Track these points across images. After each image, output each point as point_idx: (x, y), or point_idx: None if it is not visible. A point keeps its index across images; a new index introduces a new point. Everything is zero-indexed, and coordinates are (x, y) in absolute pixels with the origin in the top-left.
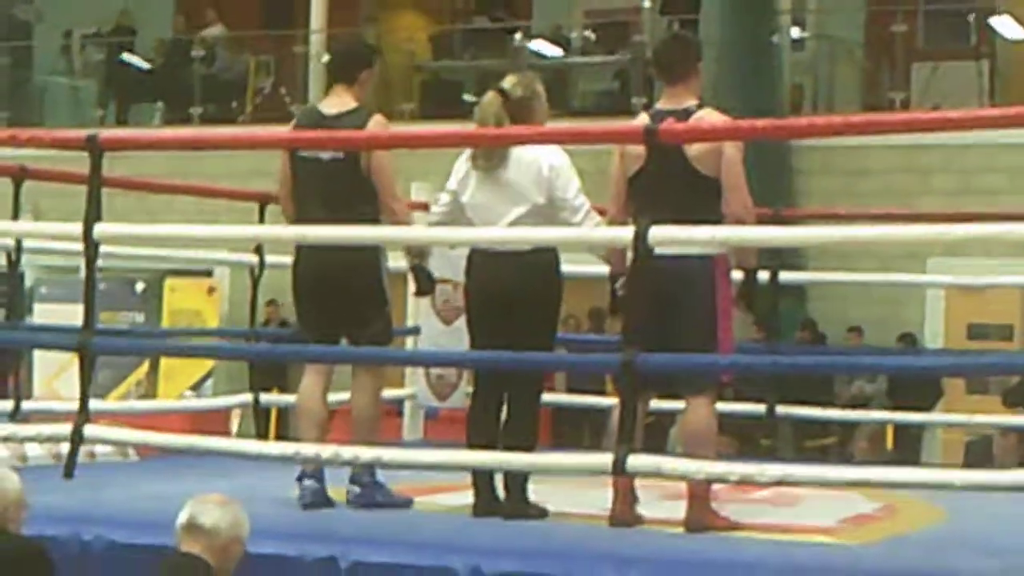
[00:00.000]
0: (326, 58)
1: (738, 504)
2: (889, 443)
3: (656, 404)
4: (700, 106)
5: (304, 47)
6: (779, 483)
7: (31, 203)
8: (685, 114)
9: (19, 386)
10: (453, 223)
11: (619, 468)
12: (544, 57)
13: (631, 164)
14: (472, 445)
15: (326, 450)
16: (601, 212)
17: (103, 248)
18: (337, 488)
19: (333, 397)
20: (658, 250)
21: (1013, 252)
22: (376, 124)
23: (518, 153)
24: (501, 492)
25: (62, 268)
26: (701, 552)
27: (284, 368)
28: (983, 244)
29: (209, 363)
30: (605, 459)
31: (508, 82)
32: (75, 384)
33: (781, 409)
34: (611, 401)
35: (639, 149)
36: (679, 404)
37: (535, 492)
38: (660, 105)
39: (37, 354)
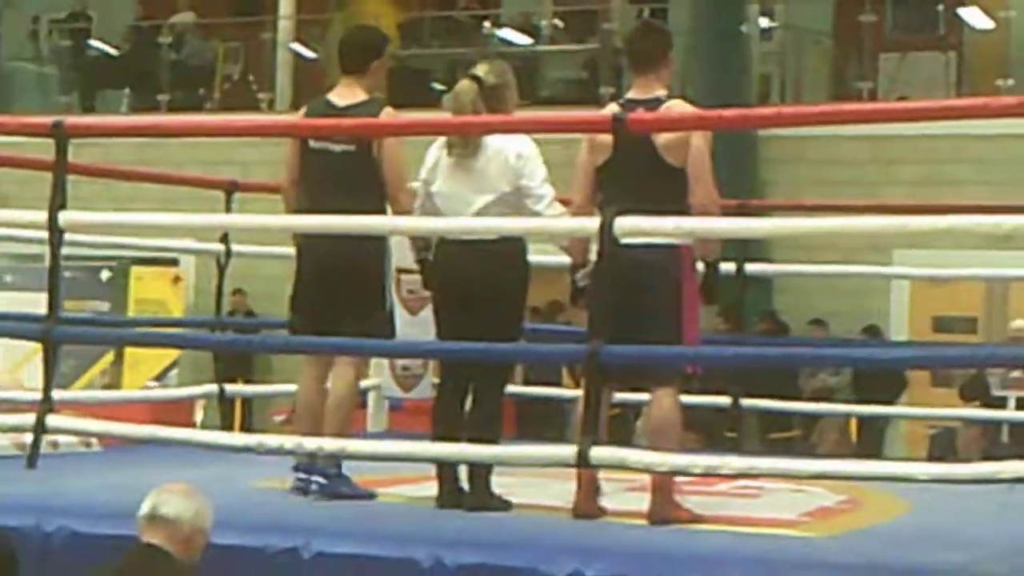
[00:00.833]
0: (299, 47)
1: (701, 496)
2: (853, 436)
3: (622, 396)
4: (669, 96)
5: (272, 34)
6: (743, 475)
7: None
8: (655, 103)
9: None
10: (426, 214)
11: (583, 460)
12: (513, 45)
13: (599, 154)
14: (437, 436)
15: (289, 441)
16: (566, 202)
17: (69, 236)
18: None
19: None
20: (624, 240)
21: (978, 244)
22: (387, 116)
23: (487, 141)
24: (465, 484)
25: (27, 256)
26: (664, 544)
27: (249, 359)
28: (949, 236)
29: (174, 353)
30: (569, 451)
31: (481, 69)
32: (39, 373)
33: (746, 402)
34: (570, 392)
35: (607, 139)
36: (645, 396)
37: (499, 484)
38: (630, 94)
39: (0, 342)
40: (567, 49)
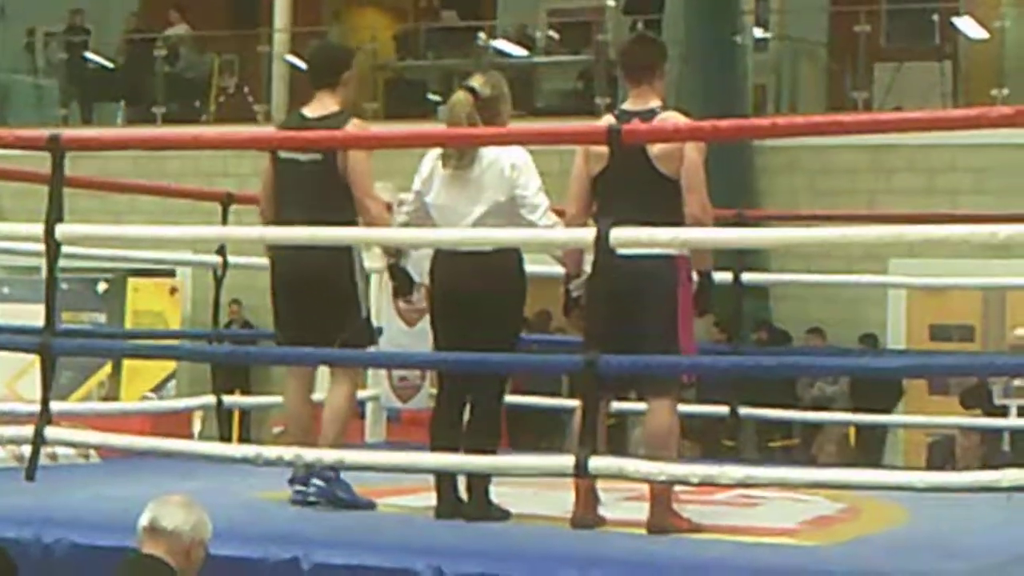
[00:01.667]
0: (295, 59)
1: (700, 506)
2: (852, 444)
3: (619, 405)
4: (664, 107)
5: (268, 46)
6: (741, 485)
7: None
8: (650, 115)
9: None
10: (419, 225)
11: (581, 470)
12: (508, 56)
13: (594, 164)
14: (435, 447)
15: (288, 452)
16: (560, 213)
17: (66, 248)
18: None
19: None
20: (620, 250)
21: (975, 253)
22: (354, 127)
23: (482, 152)
24: (464, 494)
25: (25, 268)
26: (663, 553)
27: (247, 370)
28: (945, 245)
29: (171, 364)
30: (567, 461)
31: (476, 81)
32: (37, 385)
33: (744, 411)
34: (565, 403)
35: (603, 149)
36: (641, 406)
37: (497, 494)
38: (625, 106)
39: None
40: (562, 60)
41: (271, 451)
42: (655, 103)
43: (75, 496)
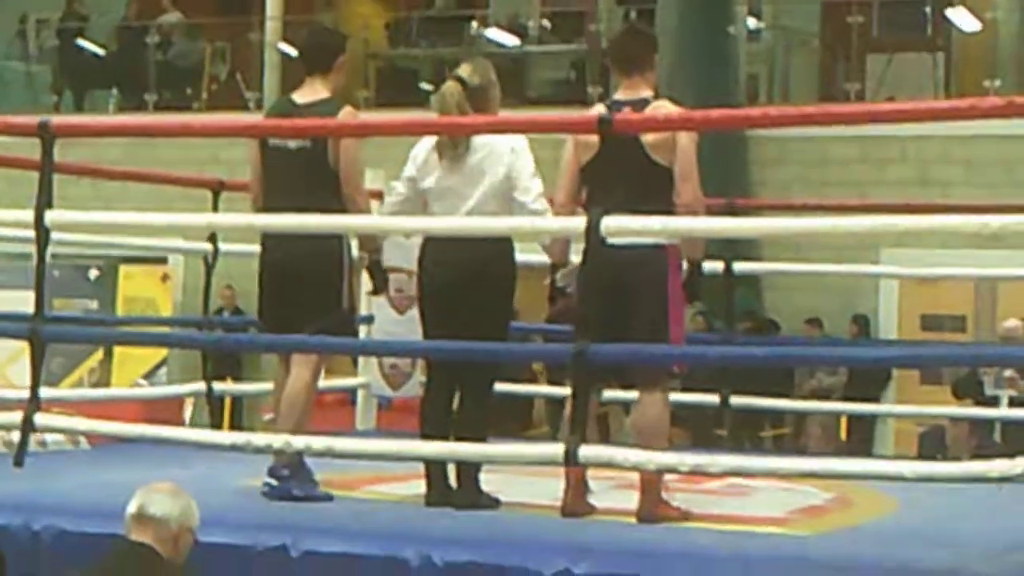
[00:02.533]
0: (287, 47)
1: (690, 494)
2: (843, 433)
3: (608, 394)
4: (656, 97)
5: (260, 34)
6: (731, 474)
7: None
8: (642, 104)
9: None
10: (411, 212)
11: (571, 459)
12: (500, 46)
13: (584, 153)
14: (425, 435)
15: (277, 439)
16: (550, 201)
17: (57, 235)
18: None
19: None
20: (610, 240)
21: (966, 243)
22: (346, 115)
23: (477, 140)
24: (454, 482)
25: (15, 254)
26: (652, 542)
27: (238, 357)
28: (937, 235)
29: (163, 351)
30: (557, 449)
31: (464, 71)
32: (27, 371)
33: (735, 400)
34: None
35: (592, 138)
36: (629, 394)
37: (487, 482)
38: (616, 96)
39: None
40: (554, 50)
41: (261, 438)
42: (647, 93)
43: (64, 483)
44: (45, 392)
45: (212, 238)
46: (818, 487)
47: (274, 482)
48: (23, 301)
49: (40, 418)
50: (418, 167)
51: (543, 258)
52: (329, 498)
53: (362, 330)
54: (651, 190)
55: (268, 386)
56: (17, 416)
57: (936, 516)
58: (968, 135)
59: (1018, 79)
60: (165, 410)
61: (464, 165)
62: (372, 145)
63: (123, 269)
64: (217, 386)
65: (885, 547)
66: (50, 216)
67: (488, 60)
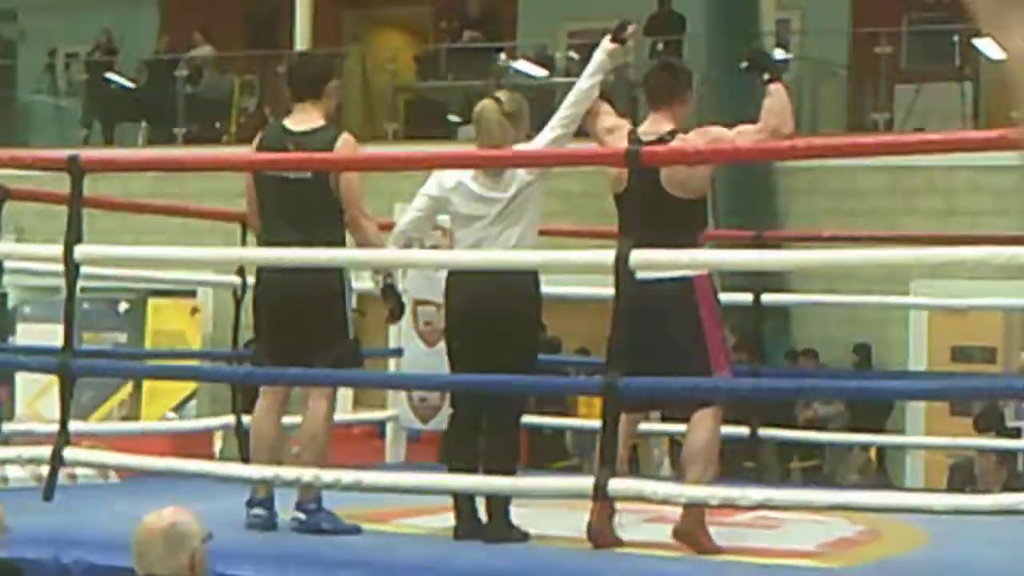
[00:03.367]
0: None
1: (721, 527)
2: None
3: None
4: (674, 133)
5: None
6: (762, 507)
7: (14, 222)
8: (660, 140)
9: (0, 408)
10: (421, 234)
11: (600, 492)
12: (528, 77)
13: (615, 186)
14: (452, 468)
15: (307, 473)
16: (581, 233)
17: (86, 268)
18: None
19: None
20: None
21: (996, 274)
22: (345, 143)
23: (517, 174)
24: (483, 515)
25: (46, 288)
26: (683, 575)
27: None
28: (966, 267)
29: (192, 384)
30: (586, 483)
31: (500, 94)
32: (57, 405)
33: (764, 432)
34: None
35: (623, 171)
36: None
37: (517, 515)
38: (641, 128)
39: (19, 375)
40: None
41: (290, 472)
42: (668, 127)
43: (94, 516)
44: (74, 425)
45: (241, 271)
46: (848, 520)
47: (303, 516)
48: (53, 334)
49: (69, 452)
50: (446, 190)
51: (578, 290)
52: (357, 530)
53: (391, 364)
54: (674, 224)
55: (297, 419)
56: (47, 450)
57: (967, 549)
58: (996, 165)
59: None
60: (195, 443)
61: (500, 198)
62: (401, 178)
63: (152, 302)
64: (246, 419)
65: None
66: (80, 251)
67: (520, 92)
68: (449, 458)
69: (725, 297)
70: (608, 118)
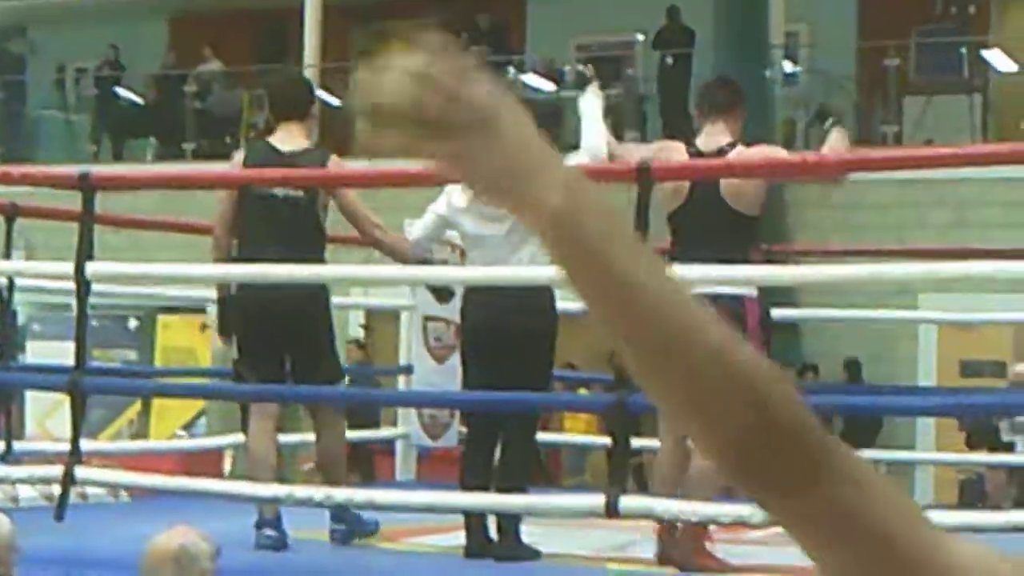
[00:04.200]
0: (324, 95)
1: (730, 545)
2: None
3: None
4: (733, 144)
5: None
6: (772, 525)
7: (24, 238)
8: (719, 152)
9: (11, 427)
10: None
11: (611, 510)
12: (537, 91)
13: (672, 201)
14: (465, 486)
15: (318, 492)
16: None
17: (96, 285)
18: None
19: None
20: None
21: (1006, 288)
22: (335, 163)
23: None
24: (494, 533)
25: (55, 305)
26: None
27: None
28: (975, 281)
29: (202, 402)
30: (597, 501)
31: None
32: (68, 424)
33: None
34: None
35: (683, 187)
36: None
37: (527, 533)
38: (698, 141)
39: (29, 393)
40: None
41: (302, 491)
42: (726, 140)
43: (104, 536)
44: (85, 444)
45: None
46: None
47: (342, 526)
48: (62, 351)
49: (80, 472)
50: (456, 210)
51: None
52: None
53: (401, 381)
54: (731, 239)
55: (307, 436)
56: (58, 469)
57: None
58: (1007, 177)
59: None
60: (205, 461)
61: (509, 217)
62: (413, 194)
63: (162, 319)
64: None
65: None
66: (91, 268)
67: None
68: (463, 475)
69: None
70: (640, 149)
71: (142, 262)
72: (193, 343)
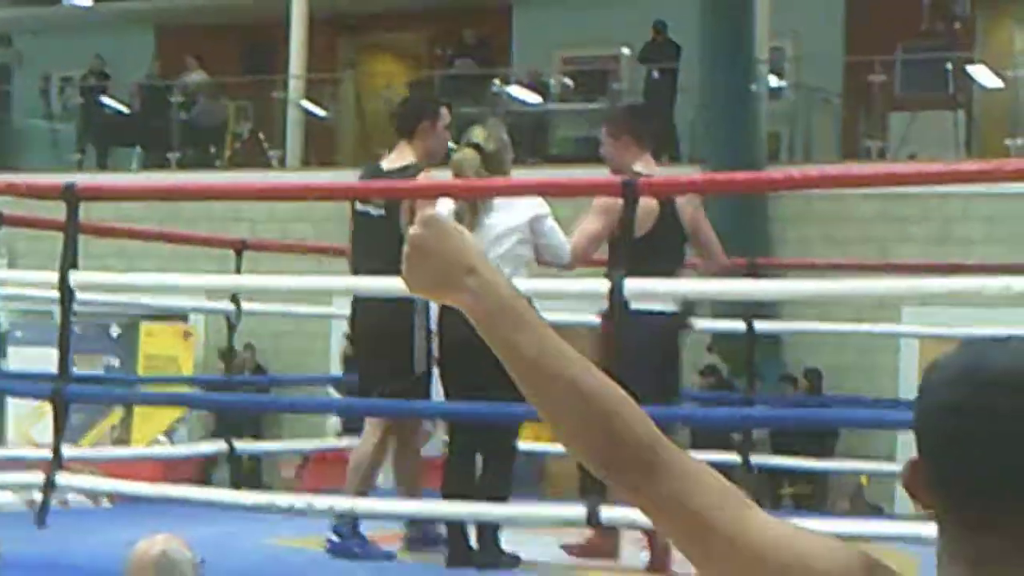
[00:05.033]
0: (310, 105)
1: None
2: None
3: None
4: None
5: (283, 92)
6: None
7: (6, 246)
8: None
9: None
10: None
11: (593, 519)
12: (522, 103)
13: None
14: (447, 495)
15: (299, 500)
16: None
17: (79, 294)
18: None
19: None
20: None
21: (989, 302)
22: (421, 179)
23: (498, 201)
24: (474, 542)
25: (37, 312)
26: None
27: (258, 416)
28: (958, 295)
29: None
30: (579, 510)
31: (479, 136)
32: (50, 430)
33: (755, 459)
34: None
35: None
36: None
37: (507, 540)
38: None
39: (11, 400)
40: (576, 108)
41: (284, 499)
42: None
43: (85, 542)
44: (67, 451)
45: (234, 298)
46: None
47: (336, 538)
48: (45, 358)
49: (62, 478)
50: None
51: (573, 318)
52: (390, 557)
53: None
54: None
55: (289, 445)
56: (39, 476)
57: None
58: (990, 193)
59: None
60: (186, 467)
61: (482, 228)
62: None
63: (144, 326)
64: (238, 445)
65: None
66: (75, 277)
67: (500, 119)
68: (444, 485)
69: (717, 324)
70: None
71: (126, 269)
72: (176, 351)
